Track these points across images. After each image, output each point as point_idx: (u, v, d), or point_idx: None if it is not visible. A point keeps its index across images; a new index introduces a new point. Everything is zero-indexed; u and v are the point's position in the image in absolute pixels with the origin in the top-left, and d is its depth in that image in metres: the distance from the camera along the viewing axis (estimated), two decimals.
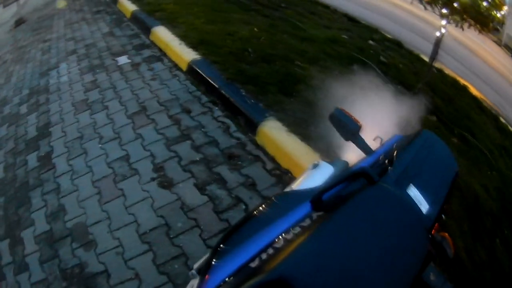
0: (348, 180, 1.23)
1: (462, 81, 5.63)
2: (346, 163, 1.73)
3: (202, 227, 2.87)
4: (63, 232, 3.15)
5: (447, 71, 5.72)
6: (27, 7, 12.25)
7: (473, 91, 5.56)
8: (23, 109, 5.29)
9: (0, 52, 8.79)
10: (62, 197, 3.48)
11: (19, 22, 10.51)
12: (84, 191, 3.45)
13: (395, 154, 1.39)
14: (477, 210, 3.09)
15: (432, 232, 1.21)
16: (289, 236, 1.12)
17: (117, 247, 2.88)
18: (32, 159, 4.13)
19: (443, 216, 1.30)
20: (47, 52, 7.04)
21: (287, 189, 1.61)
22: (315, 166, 1.63)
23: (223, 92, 4.10)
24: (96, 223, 3.11)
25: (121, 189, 3.34)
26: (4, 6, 11.39)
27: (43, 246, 3.11)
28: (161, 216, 3.01)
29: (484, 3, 3.67)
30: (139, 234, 2.92)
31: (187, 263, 2.66)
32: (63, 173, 3.73)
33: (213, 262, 1.20)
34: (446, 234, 1.22)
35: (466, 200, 3.10)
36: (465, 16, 3.85)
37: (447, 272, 2.45)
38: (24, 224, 3.40)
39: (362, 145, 1.70)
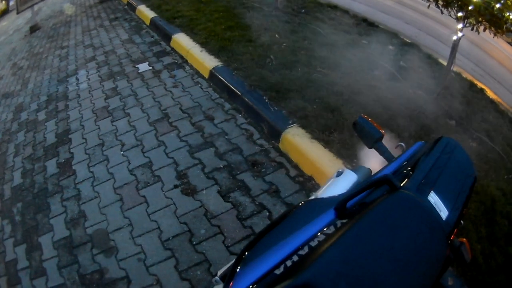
0: (371, 187, 1.32)
1: (479, 84, 5.69)
2: (369, 170, 1.80)
3: (225, 234, 3.01)
4: (83, 238, 3.31)
5: (465, 74, 5.80)
6: (41, 13, 12.61)
7: (490, 93, 5.61)
8: (41, 115, 5.53)
9: (16, 58, 9.08)
10: (82, 203, 3.65)
11: (34, 29, 10.81)
12: (105, 197, 3.62)
13: (416, 161, 1.51)
14: (494, 213, 3.15)
15: (451, 237, 1.30)
16: (313, 243, 1.21)
17: (139, 253, 3.02)
18: (52, 166, 4.32)
19: (461, 221, 1.39)
20: (64, 59, 7.32)
21: (312, 197, 1.67)
22: (339, 173, 1.71)
23: (246, 99, 4.27)
24: (117, 229, 3.27)
25: (144, 196, 3.50)
26: (18, 13, 11.70)
27: (61, 252, 3.27)
28: (184, 223, 3.16)
29: (497, 5, 3.75)
30: (161, 240, 3.07)
31: (210, 270, 2.79)
32: (84, 180, 3.91)
33: (237, 269, 1.26)
34: (465, 239, 1.32)
35: (483, 203, 3.16)
36: (480, 19, 3.95)
37: (464, 276, 2.52)
38: (42, 229, 3.57)
39: (384, 152, 1.80)
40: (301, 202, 1.46)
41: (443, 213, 1.29)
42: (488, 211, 3.14)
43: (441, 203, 1.31)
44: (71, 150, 4.42)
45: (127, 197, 3.54)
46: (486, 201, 3.22)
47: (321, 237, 1.22)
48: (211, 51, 5.42)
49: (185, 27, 6.45)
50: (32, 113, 5.75)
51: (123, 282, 2.86)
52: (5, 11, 19.05)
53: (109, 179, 3.80)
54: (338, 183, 1.65)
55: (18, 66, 8.39)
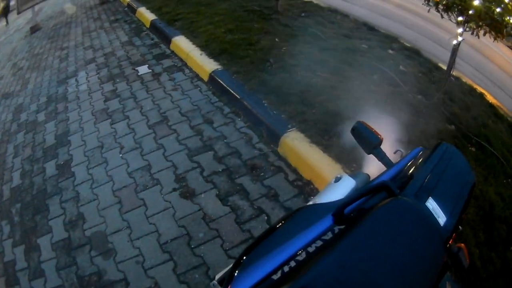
0: (370, 193, 1.33)
1: (479, 89, 5.75)
2: (368, 176, 1.82)
3: (223, 237, 3.02)
4: (82, 240, 3.32)
5: (465, 79, 5.86)
6: (42, 14, 12.63)
7: (490, 98, 5.67)
8: (41, 116, 5.54)
9: (16, 58, 9.09)
10: (81, 205, 3.67)
11: (34, 29, 10.83)
12: (104, 200, 3.63)
13: (415, 167, 1.51)
14: (492, 218, 3.17)
15: (450, 243, 1.31)
16: (311, 249, 1.22)
17: (137, 256, 3.03)
18: (51, 167, 4.34)
19: (460, 227, 1.39)
20: (64, 60, 7.34)
21: (310, 202, 1.66)
22: (338, 179, 1.71)
23: (245, 103, 4.29)
24: (116, 232, 3.28)
25: (142, 199, 3.51)
26: (18, 13, 11.73)
27: (60, 253, 3.28)
28: (183, 226, 3.17)
29: (498, 9, 3.79)
30: (160, 243, 3.08)
31: (208, 273, 2.80)
32: (83, 182, 3.93)
33: (235, 274, 1.26)
34: (463, 244, 1.32)
35: (481, 208, 3.20)
36: (480, 23, 3.99)
37: (462, 281, 2.54)
38: (41, 231, 3.59)
39: (383, 158, 1.80)
40: (298, 208, 1.46)
41: (441, 219, 1.29)
42: (486, 216, 3.17)
43: (440, 209, 1.31)
44: (70, 152, 4.43)
45: (126, 199, 3.55)
46: (485, 206, 3.25)
47: (318, 243, 1.23)
48: (211, 54, 5.44)
49: (185, 29, 6.49)
50: (31, 114, 5.76)
51: (121, 285, 2.87)
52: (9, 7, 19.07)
53: (108, 181, 3.81)
54: (336, 188, 1.65)
55: (18, 66, 8.40)
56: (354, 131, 1.88)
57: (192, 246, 3.00)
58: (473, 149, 4.00)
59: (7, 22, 13.34)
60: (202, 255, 2.93)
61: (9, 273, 3.37)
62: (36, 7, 11.46)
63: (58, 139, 4.78)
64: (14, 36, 11.93)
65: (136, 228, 3.26)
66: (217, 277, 1.55)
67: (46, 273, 3.18)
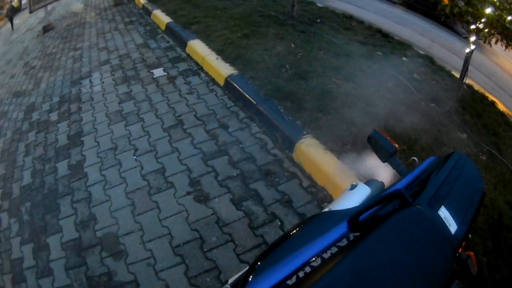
0: (384, 202, 1.38)
1: (491, 97, 5.83)
2: (382, 184, 1.88)
3: (236, 242, 3.09)
4: (93, 240, 3.41)
5: (477, 87, 5.93)
6: (55, 13, 12.86)
7: (501, 106, 5.74)
8: (54, 116, 5.68)
9: (28, 57, 9.28)
10: (93, 206, 3.76)
11: (47, 29, 11.04)
12: (117, 201, 3.72)
13: (428, 176, 1.58)
14: (501, 227, 3.21)
15: (459, 251, 1.38)
16: (326, 256, 1.27)
17: (148, 258, 3.11)
18: (63, 167, 4.44)
19: (470, 235, 1.46)
20: (78, 61, 7.51)
21: (325, 209, 1.73)
22: (353, 187, 1.79)
23: (260, 108, 4.37)
24: (128, 233, 3.36)
25: (156, 202, 3.59)
26: (31, 12, 11.96)
27: (70, 253, 3.37)
28: (196, 230, 3.24)
29: (509, 17, 3.87)
30: (172, 246, 3.15)
31: (219, 277, 2.87)
32: (95, 183, 4.02)
33: (249, 278, 1.31)
34: (472, 253, 1.39)
35: (490, 217, 3.24)
36: (492, 31, 4.06)
37: None
38: (51, 230, 3.68)
39: (398, 166, 1.88)
40: (314, 214, 1.53)
41: (453, 227, 1.37)
42: (495, 224, 3.22)
43: (451, 217, 1.39)
44: (83, 153, 4.53)
45: (139, 202, 3.63)
46: (494, 214, 3.29)
47: (334, 249, 1.29)
48: (227, 59, 5.54)
49: (201, 33, 6.62)
50: (44, 114, 5.91)
51: (131, 286, 2.94)
52: (18, 10, 19.47)
53: (121, 183, 3.90)
54: (352, 196, 1.72)
55: (30, 65, 8.58)
56: (370, 139, 1.95)
57: (205, 250, 3.07)
58: (484, 157, 4.05)
59: (12, 27, 13.61)
60: (214, 258, 2.99)
61: (16, 270, 3.46)
62: (49, 7, 11.67)
63: (71, 139, 4.89)
64: (26, 35, 12.18)
65: (149, 230, 3.33)
66: (230, 281, 1.61)
67: (54, 272, 3.26)
